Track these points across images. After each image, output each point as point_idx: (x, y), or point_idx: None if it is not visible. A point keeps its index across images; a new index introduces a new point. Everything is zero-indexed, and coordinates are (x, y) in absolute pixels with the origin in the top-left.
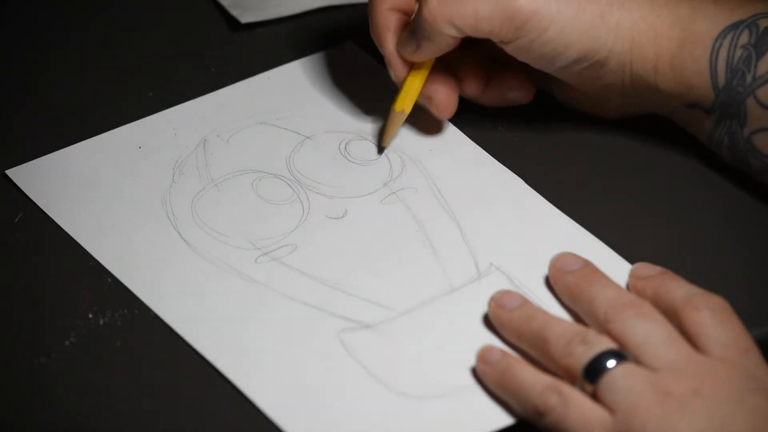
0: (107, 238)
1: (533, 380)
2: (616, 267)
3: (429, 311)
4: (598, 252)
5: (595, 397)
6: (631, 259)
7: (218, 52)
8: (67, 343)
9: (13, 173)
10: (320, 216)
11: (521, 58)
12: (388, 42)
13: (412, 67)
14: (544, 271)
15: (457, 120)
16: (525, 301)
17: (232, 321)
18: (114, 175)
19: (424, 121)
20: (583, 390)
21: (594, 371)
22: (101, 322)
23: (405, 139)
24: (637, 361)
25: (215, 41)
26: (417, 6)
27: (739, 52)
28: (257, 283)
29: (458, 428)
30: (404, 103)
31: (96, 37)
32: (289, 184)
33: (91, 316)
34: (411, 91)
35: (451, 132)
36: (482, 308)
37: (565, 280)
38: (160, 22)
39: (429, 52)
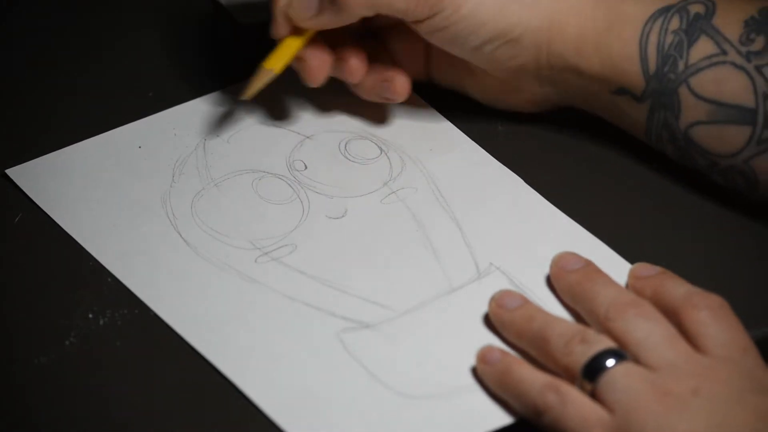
0: (107, 238)
1: (532, 379)
2: (616, 267)
3: (429, 311)
4: (598, 252)
5: (594, 396)
6: (631, 259)
7: (218, 52)
8: (67, 343)
9: (13, 173)
10: (320, 216)
11: (433, 40)
12: None
13: (294, 30)
14: (544, 270)
15: (457, 120)
16: (525, 301)
17: (232, 321)
18: (114, 175)
19: (423, 121)
20: (582, 389)
21: (593, 370)
22: (101, 322)
23: (405, 138)
24: (637, 361)
25: (215, 41)
26: None
27: (670, 38)
28: (257, 283)
29: (458, 428)
30: (275, 63)
31: (96, 37)
32: (289, 184)
33: (91, 316)
34: (286, 53)
35: (451, 132)
36: (482, 308)
37: (566, 278)
38: (160, 22)
39: (328, 23)
